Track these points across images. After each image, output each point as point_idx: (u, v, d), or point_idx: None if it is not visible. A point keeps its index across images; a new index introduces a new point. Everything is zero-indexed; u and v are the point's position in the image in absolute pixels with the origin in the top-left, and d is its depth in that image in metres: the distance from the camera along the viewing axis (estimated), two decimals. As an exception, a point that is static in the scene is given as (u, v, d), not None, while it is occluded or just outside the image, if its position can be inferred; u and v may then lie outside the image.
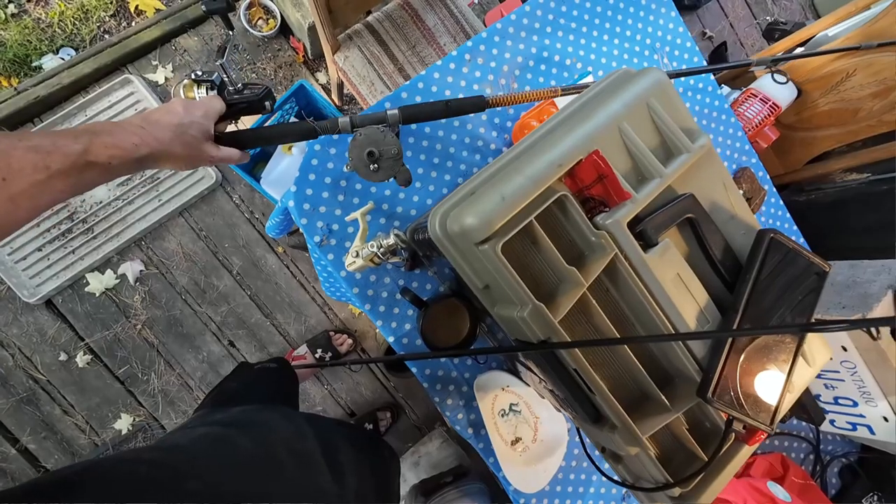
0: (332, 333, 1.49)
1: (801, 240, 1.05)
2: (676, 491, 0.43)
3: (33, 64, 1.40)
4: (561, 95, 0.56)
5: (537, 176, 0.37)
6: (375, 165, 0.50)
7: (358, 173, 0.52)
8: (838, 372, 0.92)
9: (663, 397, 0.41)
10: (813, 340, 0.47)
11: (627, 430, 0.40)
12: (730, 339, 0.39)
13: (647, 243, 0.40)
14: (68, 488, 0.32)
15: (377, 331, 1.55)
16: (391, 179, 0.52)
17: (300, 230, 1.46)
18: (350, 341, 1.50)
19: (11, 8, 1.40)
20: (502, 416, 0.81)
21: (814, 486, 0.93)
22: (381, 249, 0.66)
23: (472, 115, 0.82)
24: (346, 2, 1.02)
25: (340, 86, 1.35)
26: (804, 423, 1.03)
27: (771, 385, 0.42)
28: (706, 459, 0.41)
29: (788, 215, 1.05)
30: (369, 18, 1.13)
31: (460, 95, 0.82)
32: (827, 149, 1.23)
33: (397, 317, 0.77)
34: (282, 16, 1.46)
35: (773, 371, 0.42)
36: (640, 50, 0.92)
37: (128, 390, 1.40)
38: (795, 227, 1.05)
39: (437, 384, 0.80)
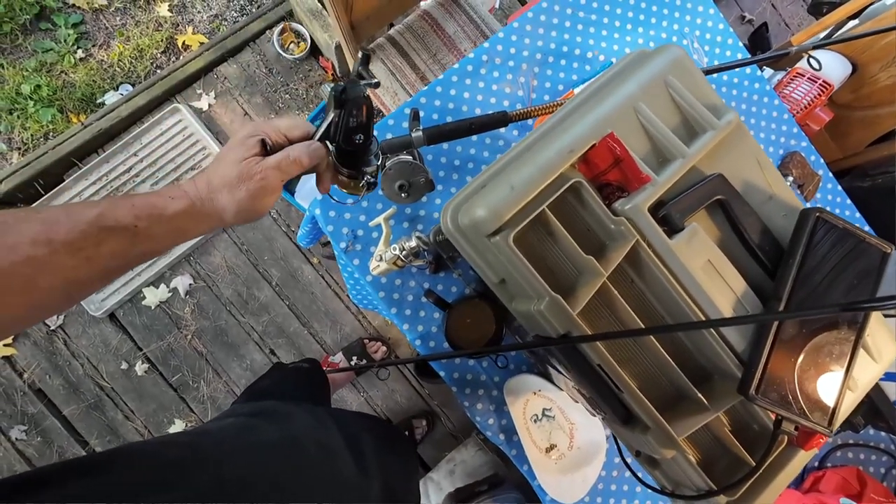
0: (366, 341, 1.52)
1: (867, 228, 0.95)
2: (722, 500, 0.39)
3: (97, 101, 1.56)
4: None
5: (548, 163, 0.36)
6: (406, 193, 0.54)
7: (389, 199, 0.57)
8: (920, 374, 0.81)
9: (700, 395, 0.37)
10: (878, 333, 0.42)
11: (661, 430, 0.37)
12: (773, 331, 0.36)
13: (671, 228, 0.37)
14: (98, 467, 0.34)
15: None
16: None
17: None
18: (384, 349, 1.52)
19: (80, 53, 1.57)
20: (535, 421, 0.78)
21: (899, 504, 0.82)
22: (404, 252, 0.67)
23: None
24: (367, 17, 1.06)
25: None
26: (883, 434, 0.91)
27: (827, 382, 0.37)
28: (753, 464, 0.37)
29: (850, 202, 0.96)
30: (391, 31, 1.16)
31: (479, 97, 0.82)
32: (892, 127, 1.11)
33: (423, 320, 0.77)
34: (311, 38, 1.53)
35: (829, 369, 0.38)
36: (667, 37, 0.88)
37: (180, 397, 1.49)
38: (859, 215, 0.95)
39: (465, 388, 0.79)
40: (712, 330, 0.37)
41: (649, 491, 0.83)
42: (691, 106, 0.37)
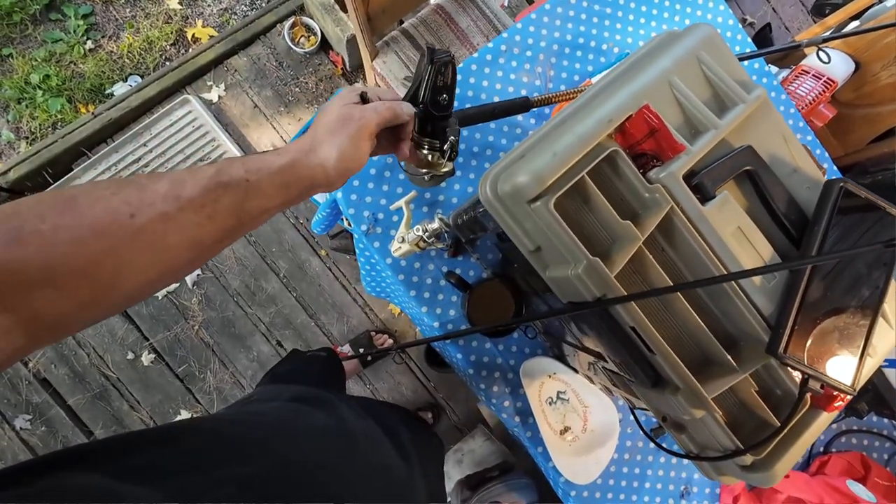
0: (373, 333, 1.53)
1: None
2: (748, 458, 0.41)
3: (106, 92, 1.56)
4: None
5: (587, 132, 0.38)
6: (429, 176, 0.50)
7: (413, 183, 0.54)
8: (923, 360, 0.83)
9: (728, 356, 0.39)
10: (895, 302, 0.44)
11: (691, 389, 0.39)
12: (801, 291, 0.37)
13: (704, 196, 0.39)
14: (165, 439, 0.35)
15: (417, 330, 1.57)
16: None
17: (341, 233, 1.51)
18: (391, 341, 1.53)
19: (89, 44, 1.57)
20: (550, 403, 0.80)
21: (902, 488, 0.84)
22: (427, 234, 0.68)
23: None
24: (383, 10, 1.07)
25: (378, 92, 1.41)
26: (886, 420, 0.93)
27: (849, 345, 0.39)
28: (778, 424, 0.39)
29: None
30: (405, 24, 1.18)
31: (497, 86, 0.83)
32: (892, 125, 1.14)
33: (442, 303, 0.78)
34: (322, 33, 1.55)
35: (850, 332, 0.40)
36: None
37: (186, 388, 1.49)
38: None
39: (482, 370, 0.80)
40: (741, 293, 0.39)
41: (660, 474, 0.85)
42: (722, 81, 0.39)
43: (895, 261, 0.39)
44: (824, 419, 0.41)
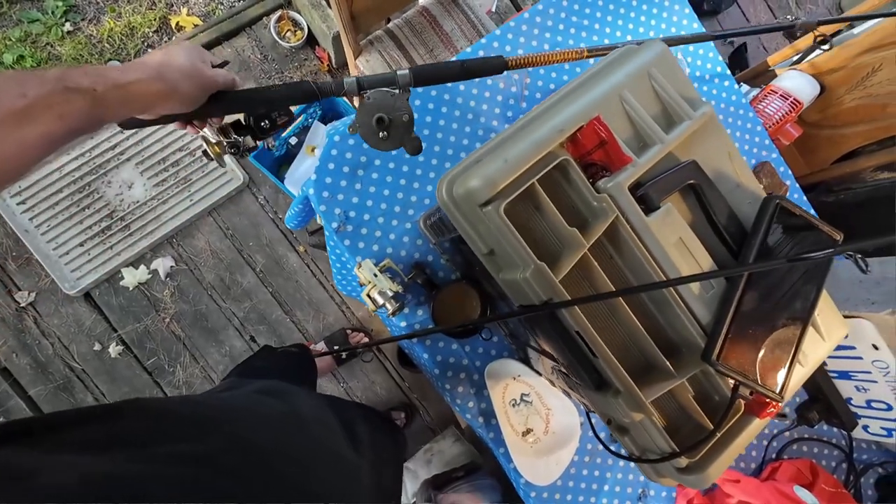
0: (348, 331, 1.52)
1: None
2: (683, 461, 0.42)
3: (84, 75, 1.52)
4: (587, 57, 0.57)
5: (539, 140, 0.39)
6: (385, 133, 0.45)
7: (365, 140, 0.48)
8: (870, 373, 0.87)
9: (666, 362, 0.41)
10: (828, 316, 0.46)
11: (630, 393, 0.40)
12: (734, 305, 0.39)
13: (648, 207, 0.40)
14: (109, 414, 0.35)
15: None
16: (400, 148, 0.47)
17: (320, 230, 1.50)
18: (366, 339, 1.53)
19: (67, 26, 1.53)
20: (513, 405, 0.81)
21: (846, 494, 0.88)
22: (391, 294, 0.68)
23: (491, 109, 0.85)
24: (368, 9, 1.08)
25: (362, 91, 1.41)
26: (835, 430, 0.97)
27: (779, 355, 0.41)
28: (711, 427, 0.40)
29: (812, 212, 1.02)
30: (390, 25, 1.19)
31: (474, 91, 0.84)
32: (855, 146, 1.19)
33: (410, 304, 0.79)
34: (308, 27, 1.54)
35: (781, 344, 0.42)
36: (653, 46, 0.93)
37: (154, 381, 1.46)
38: (821, 224, 1.02)
39: (447, 371, 0.81)
40: (681, 302, 0.40)
41: (618, 476, 0.87)
42: (671, 97, 0.41)
43: (825, 276, 0.42)
44: (757, 425, 0.43)
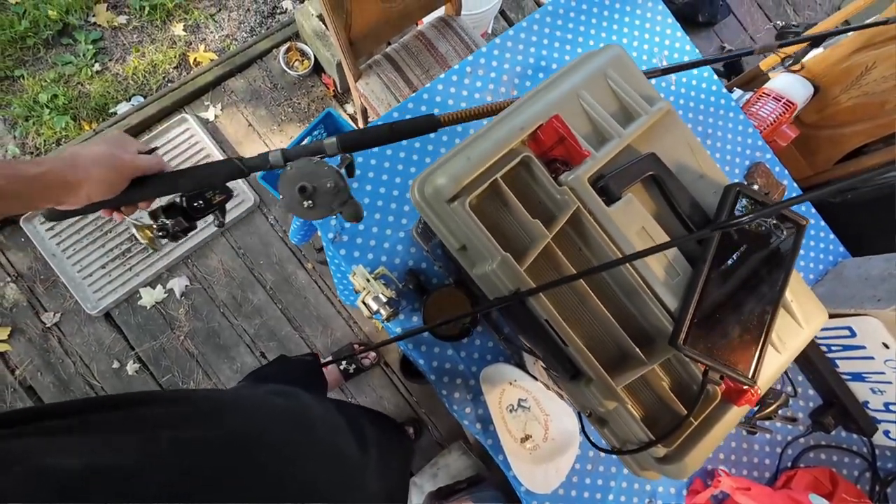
0: (356, 346, 1.54)
1: (831, 235, 1.00)
2: (661, 450, 0.42)
3: (110, 111, 1.64)
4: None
5: (501, 139, 0.42)
6: (310, 202, 0.43)
7: (291, 212, 0.46)
8: (884, 373, 0.84)
9: (636, 348, 0.41)
10: (805, 303, 0.46)
11: (601, 381, 0.41)
12: (699, 291, 0.40)
13: (609, 198, 0.42)
14: (117, 405, 0.38)
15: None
16: (337, 216, 0.46)
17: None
18: (373, 354, 1.54)
19: (96, 66, 1.67)
20: (511, 411, 0.81)
21: (869, 504, 0.83)
22: (384, 300, 0.70)
23: (479, 123, 0.88)
24: (366, 35, 1.15)
25: (364, 112, 1.48)
26: (855, 436, 0.93)
27: (750, 339, 0.41)
28: (685, 412, 0.40)
29: (814, 211, 1.01)
30: (387, 49, 1.25)
31: (462, 104, 0.88)
32: (857, 145, 1.18)
33: (405, 310, 0.81)
34: (315, 57, 1.63)
35: (752, 327, 0.42)
36: (637, 56, 0.96)
37: (169, 398, 1.50)
38: (823, 223, 1.01)
39: (444, 376, 0.82)
40: (647, 289, 0.41)
41: (623, 486, 0.85)
42: (626, 94, 0.43)
43: (793, 261, 0.42)
44: (735, 413, 0.43)
